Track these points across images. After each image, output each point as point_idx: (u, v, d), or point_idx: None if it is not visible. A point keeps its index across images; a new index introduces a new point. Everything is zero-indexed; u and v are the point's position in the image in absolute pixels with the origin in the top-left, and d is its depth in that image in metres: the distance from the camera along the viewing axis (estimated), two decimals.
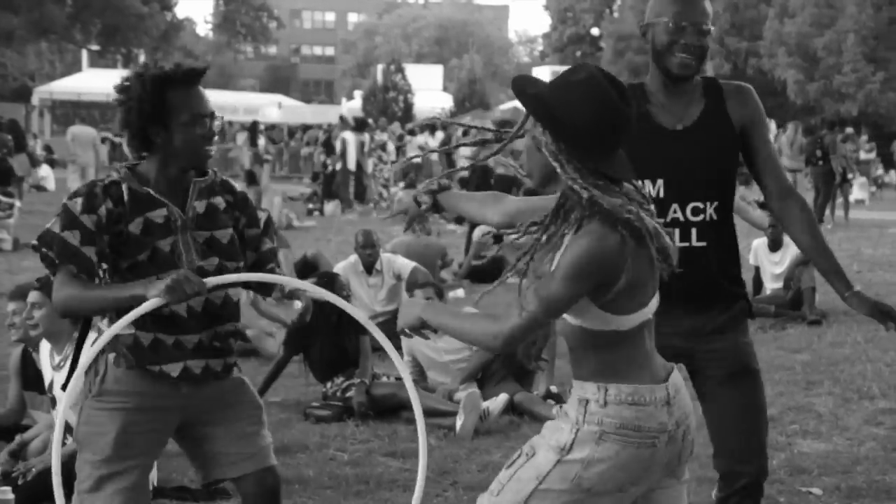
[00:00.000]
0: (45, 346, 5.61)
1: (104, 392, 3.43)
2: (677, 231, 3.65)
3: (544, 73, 54.77)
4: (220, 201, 3.59)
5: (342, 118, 27.80)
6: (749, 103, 3.86)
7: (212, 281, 3.34)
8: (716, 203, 3.70)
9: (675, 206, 3.67)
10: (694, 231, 3.67)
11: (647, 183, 3.66)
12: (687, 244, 3.64)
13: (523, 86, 2.90)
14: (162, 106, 3.35)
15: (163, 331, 3.44)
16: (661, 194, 3.69)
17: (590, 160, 2.75)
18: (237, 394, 3.69)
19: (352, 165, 23.22)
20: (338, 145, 23.82)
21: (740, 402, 3.69)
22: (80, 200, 3.34)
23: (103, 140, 23.70)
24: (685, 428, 2.89)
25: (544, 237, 2.88)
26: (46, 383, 5.59)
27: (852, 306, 3.68)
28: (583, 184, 2.71)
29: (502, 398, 6.97)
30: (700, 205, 3.68)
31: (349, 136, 24.17)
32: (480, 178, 19.17)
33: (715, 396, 3.71)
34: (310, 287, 3.55)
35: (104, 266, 3.41)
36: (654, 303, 2.90)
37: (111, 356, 3.45)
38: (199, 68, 3.51)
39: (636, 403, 2.79)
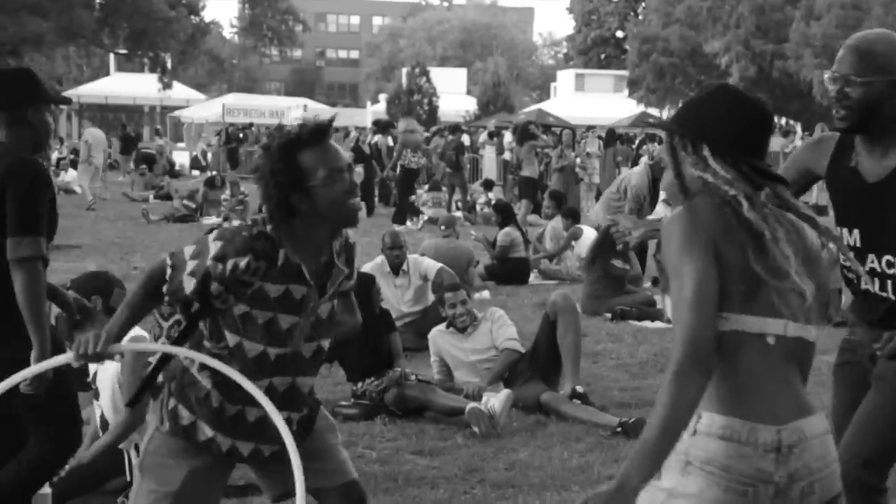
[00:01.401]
0: None
1: (178, 432, 3.33)
2: (877, 280, 3.67)
3: (569, 76, 55.01)
4: (342, 276, 3.47)
5: (376, 122, 27.99)
6: None
7: (122, 348, 3.27)
8: None
9: (871, 256, 3.67)
10: (889, 284, 3.66)
11: (845, 231, 3.70)
12: (885, 294, 3.67)
13: (652, 119, 2.82)
14: (297, 172, 3.18)
15: (249, 403, 3.29)
16: (858, 244, 3.70)
17: (744, 161, 2.71)
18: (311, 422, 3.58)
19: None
20: (367, 150, 23.89)
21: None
22: (218, 245, 3.21)
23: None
24: (807, 485, 2.59)
25: None
26: (90, 376, 5.67)
27: None
28: (727, 174, 2.66)
29: (503, 394, 6.93)
30: (893, 259, 3.65)
31: (376, 138, 24.37)
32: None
33: None
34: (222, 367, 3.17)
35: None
36: (793, 327, 2.66)
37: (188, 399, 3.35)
38: (325, 125, 3.28)
39: (727, 439, 2.53)
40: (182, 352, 3.29)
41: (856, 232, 3.70)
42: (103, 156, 24.74)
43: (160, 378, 3.37)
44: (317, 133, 3.22)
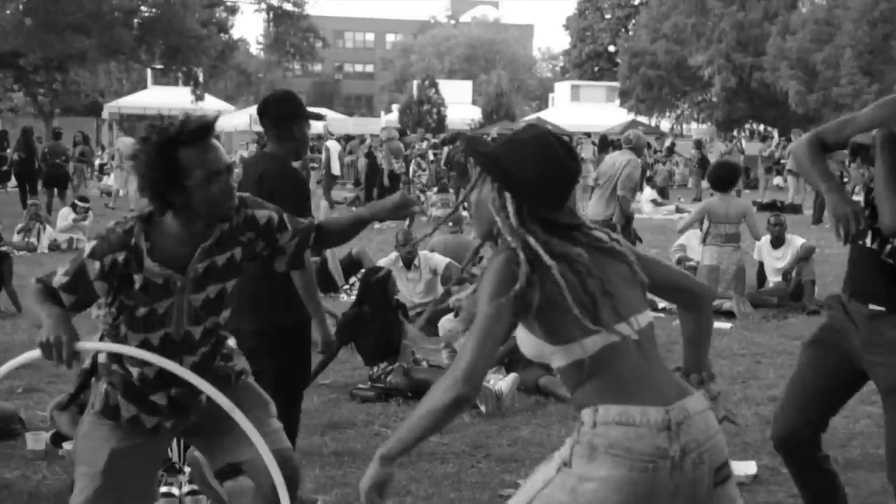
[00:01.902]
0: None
1: (107, 412, 3.20)
2: None
3: (565, 87, 54.92)
4: (236, 252, 3.26)
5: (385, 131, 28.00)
6: None
7: (84, 346, 3.01)
8: None
9: None
10: None
11: None
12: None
13: (475, 145, 2.88)
14: (174, 167, 2.98)
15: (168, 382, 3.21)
16: None
17: (542, 211, 2.73)
18: (240, 394, 3.32)
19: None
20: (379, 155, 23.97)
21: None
22: (92, 245, 3.09)
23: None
24: (696, 456, 2.63)
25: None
26: None
27: None
28: (520, 232, 2.69)
29: (510, 378, 6.97)
30: None
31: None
32: None
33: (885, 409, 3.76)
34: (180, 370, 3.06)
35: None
36: (624, 327, 2.71)
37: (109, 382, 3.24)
38: (207, 123, 3.07)
39: (623, 423, 2.58)
40: (130, 351, 3.13)
41: None
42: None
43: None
44: (198, 132, 3.02)
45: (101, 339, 3.27)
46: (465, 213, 17.72)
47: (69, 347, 2.86)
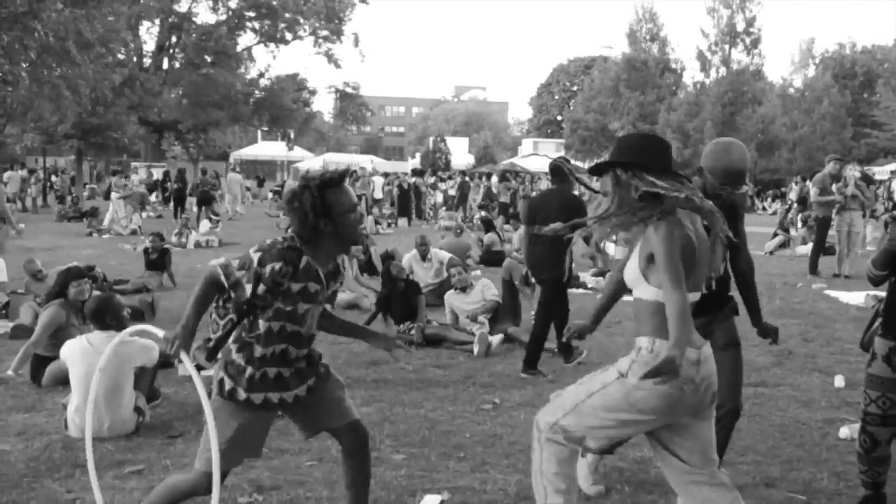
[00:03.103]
0: None
1: (226, 396, 2.87)
2: None
3: (529, 143, 54.67)
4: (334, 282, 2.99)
5: (413, 170, 28.11)
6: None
7: (185, 361, 2.78)
8: None
9: None
10: None
11: None
12: None
13: (599, 164, 2.66)
14: (327, 204, 2.76)
15: (282, 365, 2.89)
16: None
17: (668, 173, 2.58)
18: (331, 381, 3.08)
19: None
20: (405, 186, 23.97)
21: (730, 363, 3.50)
22: (258, 255, 2.78)
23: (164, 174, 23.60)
24: (708, 384, 2.56)
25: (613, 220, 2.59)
26: None
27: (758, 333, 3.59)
28: (666, 185, 2.52)
29: (498, 336, 6.94)
30: None
31: (413, 179, 24.48)
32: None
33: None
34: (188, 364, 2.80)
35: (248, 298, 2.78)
36: (698, 293, 2.59)
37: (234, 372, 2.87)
38: (343, 173, 2.84)
39: None
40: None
41: None
42: (240, 189, 25.40)
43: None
44: (339, 178, 2.81)
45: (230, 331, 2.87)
46: (462, 223, 17.83)
47: (177, 352, 2.73)
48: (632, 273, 2.61)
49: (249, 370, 2.85)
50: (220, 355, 2.89)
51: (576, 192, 6.42)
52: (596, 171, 2.69)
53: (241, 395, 2.85)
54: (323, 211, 2.76)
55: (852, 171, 11.95)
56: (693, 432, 2.63)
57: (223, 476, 2.83)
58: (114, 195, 20.01)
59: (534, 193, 21.58)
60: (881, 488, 3.45)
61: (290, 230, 2.84)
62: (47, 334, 5.55)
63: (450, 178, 30.10)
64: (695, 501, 2.66)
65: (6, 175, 24.92)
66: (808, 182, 21.47)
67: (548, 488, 2.71)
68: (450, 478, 3.90)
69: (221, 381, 2.87)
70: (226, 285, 2.77)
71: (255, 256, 2.76)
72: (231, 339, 2.87)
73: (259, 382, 2.86)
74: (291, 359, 2.91)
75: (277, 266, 2.74)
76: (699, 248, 2.57)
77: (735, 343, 3.47)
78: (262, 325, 2.82)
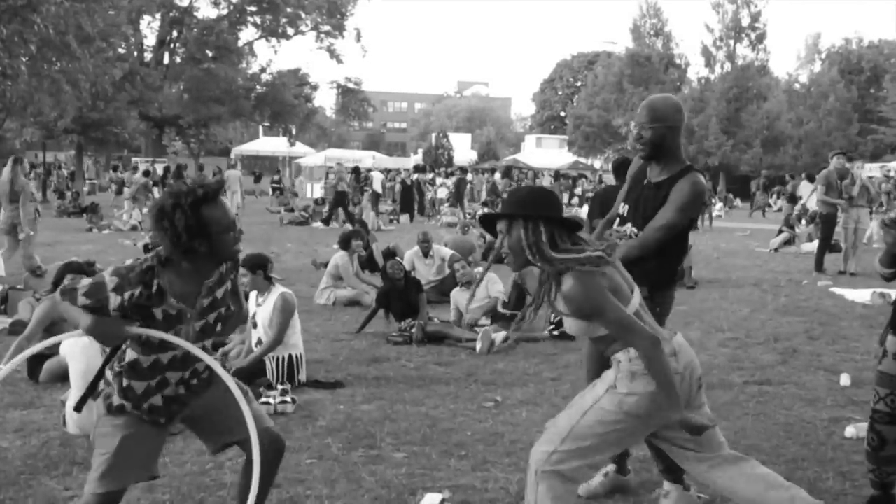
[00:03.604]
0: (252, 294, 5.67)
1: (112, 411, 2.67)
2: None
3: (532, 139, 54.67)
4: (227, 286, 2.77)
5: (415, 166, 28.02)
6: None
7: (131, 330, 2.55)
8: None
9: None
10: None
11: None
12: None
13: (509, 208, 2.65)
14: (203, 223, 2.50)
15: (152, 378, 2.68)
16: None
17: (564, 231, 2.60)
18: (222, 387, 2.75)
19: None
20: (409, 182, 23.95)
21: None
22: (115, 280, 2.52)
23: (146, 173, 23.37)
24: (691, 370, 2.65)
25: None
26: (250, 315, 5.61)
27: None
28: (558, 257, 2.54)
29: (501, 334, 6.92)
30: (638, 232, 3.44)
31: (416, 175, 24.45)
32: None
33: None
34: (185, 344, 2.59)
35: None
36: (636, 296, 2.65)
37: (117, 385, 2.68)
38: (218, 186, 2.58)
39: None
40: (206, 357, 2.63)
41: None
42: (239, 184, 25.47)
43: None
44: (214, 193, 2.54)
45: (108, 362, 2.72)
46: (466, 219, 17.81)
47: (117, 329, 2.51)
48: (578, 329, 2.66)
49: (128, 405, 2.67)
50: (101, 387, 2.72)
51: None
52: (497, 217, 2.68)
53: (127, 408, 2.67)
54: (198, 231, 2.50)
55: (859, 170, 11.91)
56: None
57: (113, 500, 2.65)
58: (127, 191, 20.22)
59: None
60: (890, 489, 3.41)
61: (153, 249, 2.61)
62: (41, 328, 5.53)
63: (451, 174, 30.10)
64: (724, 482, 2.73)
65: (5, 170, 24.93)
66: (795, 179, 21.54)
67: None
68: (451, 476, 3.88)
69: (108, 397, 2.68)
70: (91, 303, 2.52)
71: (111, 282, 2.51)
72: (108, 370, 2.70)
73: (144, 412, 2.69)
74: (173, 383, 2.71)
75: (137, 291, 2.51)
76: (613, 276, 2.60)
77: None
78: (129, 355, 2.64)
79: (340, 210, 20.21)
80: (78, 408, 2.77)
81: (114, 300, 2.50)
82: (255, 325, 5.61)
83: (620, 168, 6.25)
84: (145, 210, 19.66)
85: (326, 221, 20.10)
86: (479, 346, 6.65)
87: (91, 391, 2.73)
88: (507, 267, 2.87)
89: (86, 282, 2.56)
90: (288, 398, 4.95)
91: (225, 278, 2.75)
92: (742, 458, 2.76)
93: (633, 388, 2.58)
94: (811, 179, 21.53)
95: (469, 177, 30.04)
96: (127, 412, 2.68)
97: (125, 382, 2.68)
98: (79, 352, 4.58)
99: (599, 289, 2.52)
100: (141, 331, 2.54)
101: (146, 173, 21.96)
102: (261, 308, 5.58)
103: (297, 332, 5.67)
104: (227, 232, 2.57)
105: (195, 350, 2.60)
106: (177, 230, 2.48)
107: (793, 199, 21.33)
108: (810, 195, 16.36)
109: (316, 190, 32.06)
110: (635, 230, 3.43)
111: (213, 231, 2.53)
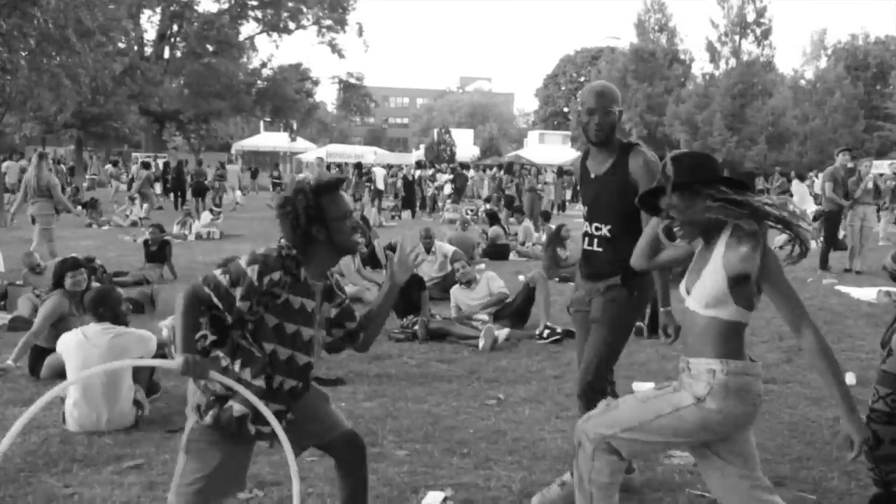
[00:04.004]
0: None
1: (215, 426, 2.59)
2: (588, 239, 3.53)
3: (535, 135, 54.64)
4: (330, 304, 2.80)
5: (417, 162, 28.06)
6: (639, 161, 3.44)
7: (215, 377, 2.50)
8: (608, 225, 3.47)
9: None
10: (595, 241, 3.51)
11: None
12: (590, 248, 3.52)
13: (685, 176, 2.51)
14: (321, 210, 2.60)
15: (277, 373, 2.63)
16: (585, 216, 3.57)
17: (731, 184, 2.50)
18: (312, 392, 2.85)
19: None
20: (410, 178, 23.94)
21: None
22: (256, 268, 2.51)
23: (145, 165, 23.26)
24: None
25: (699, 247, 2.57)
26: None
27: (661, 319, 3.42)
28: (739, 198, 2.44)
29: (505, 330, 6.93)
30: (599, 224, 3.50)
31: (418, 172, 24.46)
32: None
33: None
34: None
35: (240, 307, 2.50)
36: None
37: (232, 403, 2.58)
38: (340, 179, 2.69)
39: (746, 374, 2.44)
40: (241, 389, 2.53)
41: (585, 208, 3.59)
42: (237, 179, 25.64)
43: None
44: (335, 184, 2.65)
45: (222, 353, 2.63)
46: (468, 217, 17.84)
47: (202, 375, 2.48)
48: (710, 293, 2.48)
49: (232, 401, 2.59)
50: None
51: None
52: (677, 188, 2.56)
53: (235, 413, 2.59)
54: (317, 216, 2.60)
55: (868, 167, 11.87)
56: (744, 438, 2.59)
57: None
58: (135, 185, 20.28)
59: (539, 186, 21.58)
60: (892, 486, 3.42)
61: (281, 238, 2.66)
62: (48, 324, 5.55)
63: (453, 170, 30.09)
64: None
65: (4, 165, 24.93)
66: (785, 178, 21.51)
67: (596, 496, 2.66)
68: (453, 474, 3.88)
69: (199, 407, 2.61)
70: (218, 304, 2.49)
71: (252, 270, 2.50)
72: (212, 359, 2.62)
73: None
74: (282, 389, 2.65)
75: (276, 276, 2.52)
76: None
77: (601, 321, 3.45)
78: (266, 346, 2.59)
79: None
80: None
81: (257, 278, 2.49)
82: None
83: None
84: (146, 205, 19.68)
85: None
86: (481, 343, 6.66)
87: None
88: (509, 265, 2.85)
89: (219, 272, 2.51)
90: None
91: (331, 292, 2.79)
92: (766, 489, 2.59)
93: (724, 406, 2.43)
94: (801, 178, 21.67)
95: (471, 173, 30.02)
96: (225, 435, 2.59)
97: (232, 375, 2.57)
98: (74, 349, 4.59)
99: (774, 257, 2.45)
100: (221, 378, 2.51)
101: (146, 165, 21.91)
102: None
103: None
104: (344, 219, 2.65)
105: (253, 400, 2.53)
106: (297, 213, 2.58)
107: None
108: (821, 190, 16.32)
109: None
110: (607, 228, 3.47)
111: (330, 217, 2.61)
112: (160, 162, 30.55)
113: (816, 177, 24.00)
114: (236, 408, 2.58)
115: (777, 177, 23.53)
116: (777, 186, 22.52)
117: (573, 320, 3.75)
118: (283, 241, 2.65)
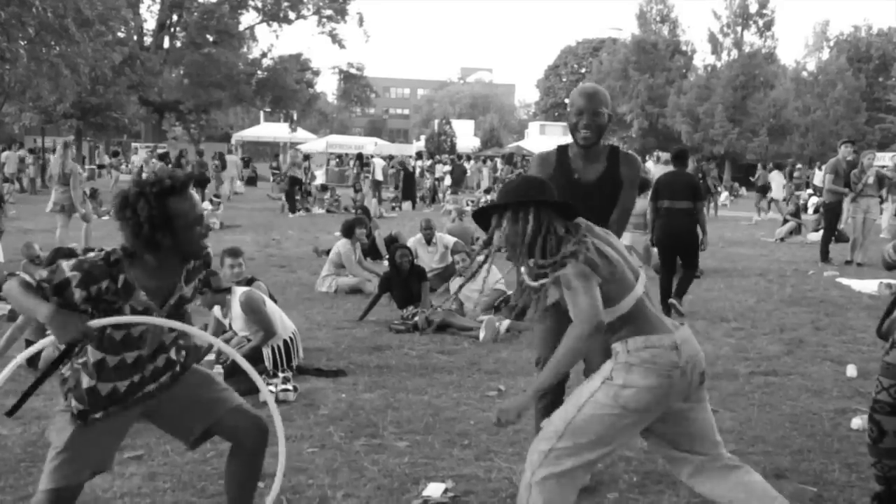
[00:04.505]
0: (215, 309, 5.62)
1: (70, 410, 2.57)
2: None
3: (536, 126, 54.48)
4: (195, 285, 2.70)
5: (417, 153, 28.02)
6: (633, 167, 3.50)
7: (94, 323, 2.38)
8: None
9: None
10: None
11: None
12: None
13: (500, 198, 2.71)
14: (167, 215, 2.39)
15: (119, 379, 2.58)
16: None
17: (558, 216, 2.61)
18: (188, 377, 2.77)
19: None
20: (410, 169, 23.90)
21: None
22: (78, 275, 2.38)
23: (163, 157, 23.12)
24: (693, 364, 2.56)
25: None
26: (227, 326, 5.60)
27: None
28: (542, 262, 2.56)
29: (506, 323, 6.93)
30: None
31: (419, 163, 24.41)
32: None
33: None
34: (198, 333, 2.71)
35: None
36: (640, 286, 2.60)
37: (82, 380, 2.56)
38: (188, 178, 2.49)
39: (648, 347, 2.51)
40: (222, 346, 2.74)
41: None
42: (237, 170, 26.16)
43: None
44: (184, 184, 2.44)
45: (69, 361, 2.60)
46: (468, 208, 17.82)
47: (85, 326, 2.34)
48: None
49: (88, 408, 2.57)
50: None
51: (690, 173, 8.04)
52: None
53: (77, 406, 2.56)
54: (162, 223, 2.39)
55: (871, 160, 11.84)
56: (690, 417, 2.63)
57: (67, 498, 2.54)
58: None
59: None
60: (894, 484, 3.38)
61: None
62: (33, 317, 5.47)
63: (453, 161, 30.04)
64: (721, 488, 2.64)
65: (3, 155, 24.88)
66: (775, 172, 21.53)
67: None
68: (454, 465, 3.88)
69: (67, 397, 2.59)
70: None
71: (74, 277, 2.37)
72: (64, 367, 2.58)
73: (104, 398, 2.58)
74: (136, 383, 2.61)
75: (104, 285, 2.39)
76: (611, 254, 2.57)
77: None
78: (91, 354, 2.53)
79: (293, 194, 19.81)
80: (10, 413, 2.64)
81: (79, 295, 2.37)
82: (235, 334, 5.54)
83: (680, 156, 7.99)
84: None
85: (293, 210, 19.51)
86: (482, 334, 6.66)
87: (27, 396, 2.58)
88: (509, 260, 2.87)
89: (43, 271, 2.43)
90: (289, 386, 4.95)
91: (192, 276, 2.66)
92: (734, 467, 2.66)
93: (629, 379, 2.51)
94: (779, 168, 21.71)
95: (469, 164, 29.99)
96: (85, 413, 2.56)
97: (88, 383, 2.56)
98: None
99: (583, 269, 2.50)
100: (105, 321, 2.41)
101: (162, 157, 21.96)
102: (233, 320, 5.49)
103: (279, 317, 5.57)
104: (194, 227, 2.46)
105: (171, 323, 2.53)
106: (138, 220, 2.38)
107: (763, 189, 21.52)
108: (822, 182, 16.31)
109: (319, 176, 32.03)
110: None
111: (179, 225, 2.42)
112: (159, 152, 30.50)
113: (819, 168, 23.98)
114: (74, 406, 2.56)
115: (758, 169, 23.60)
116: (757, 178, 22.62)
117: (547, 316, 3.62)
118: (123, 244, 2.49)
